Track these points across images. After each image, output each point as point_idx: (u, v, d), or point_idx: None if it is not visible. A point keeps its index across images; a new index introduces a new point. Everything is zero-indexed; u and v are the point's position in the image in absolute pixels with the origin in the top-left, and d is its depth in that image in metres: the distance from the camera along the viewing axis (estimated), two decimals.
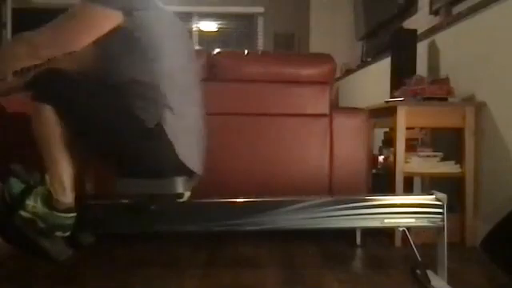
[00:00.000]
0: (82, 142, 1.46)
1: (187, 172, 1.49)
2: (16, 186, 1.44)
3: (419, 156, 2.47)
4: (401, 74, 2.73)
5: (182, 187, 1.49)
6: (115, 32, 1.42)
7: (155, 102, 1.43)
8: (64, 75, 1.43)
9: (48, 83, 1.41)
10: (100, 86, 1.46)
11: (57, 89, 1.41)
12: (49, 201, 1.43)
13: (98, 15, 1.41)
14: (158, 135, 1.42)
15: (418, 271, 1.69)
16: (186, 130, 1.49)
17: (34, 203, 1.42)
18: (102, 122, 1.42)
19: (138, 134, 1.43)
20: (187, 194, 1.55)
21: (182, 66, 1.54)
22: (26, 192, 1.43)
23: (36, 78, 1.43)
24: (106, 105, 1.44)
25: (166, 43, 1.48)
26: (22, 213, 1.41)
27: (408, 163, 2.43)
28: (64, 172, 1.43)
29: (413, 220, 1.57)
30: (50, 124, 1.40)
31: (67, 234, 1.45)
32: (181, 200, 1.52)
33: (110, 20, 1.41)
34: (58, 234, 1.43)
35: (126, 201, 1.53)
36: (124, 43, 1.43)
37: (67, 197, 1.43)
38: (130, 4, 1.43)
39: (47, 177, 1.44)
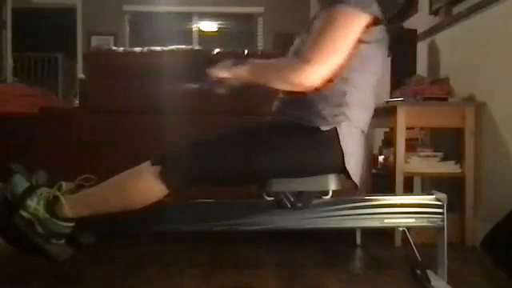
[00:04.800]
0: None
1: (342, 172, 1.47)
2: (20, 183, 1.43)
3: (419, 156, 2.47)
4: (401, 74, 2.74)
5: (334, 184, 1.48)
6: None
7: (335, 106, 1.41)
8: (206, 162, 1.42)
9: (185, 174, 1.40)
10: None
11: (192, 183, 1.41)
12: (51, 206, 1.41)
13: (359, 22, 1.37)
14: (330, 139, 1.40)
15: (418, 271, 1.69)
16: (355, 138, 1.46)
17: (36, 205, 1.41)
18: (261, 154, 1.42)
19: (310, 138, 1.41)
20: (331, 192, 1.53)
21: (372, 83, 1.49)
22: (29, 192, 1.43)
23: (176, 161, 1.40)
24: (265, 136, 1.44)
25: (373, 58, 1.46)
26: (23, 213, 1.40)
27: (408, 163, 2.43)
28: (93, 213, 1.43)
29: (413, 220, 1.56)
30: (146, 201, 1.40)
31: (62, 241, 1.45)
32: (326, 197, 1.50)
33: (361, 25, 1.37)
34: (53, 241, 1.42)
35: (271, 198, 1.51)
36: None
37: (74, 214, 1.43)
38: (379, 14, 1.40)
39: (80, 194, 1.43)
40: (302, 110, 1.44)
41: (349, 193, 1.58)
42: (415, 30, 2.92)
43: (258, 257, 2.11)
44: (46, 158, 2.22)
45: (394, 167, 2.39)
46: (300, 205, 1.50)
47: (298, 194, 1.50)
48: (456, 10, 2.72)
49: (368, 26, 1.39)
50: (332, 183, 1.48)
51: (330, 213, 1.53)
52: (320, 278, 1.82)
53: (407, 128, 2.40)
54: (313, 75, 1.35)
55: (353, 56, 1.39)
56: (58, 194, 1.42)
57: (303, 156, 1.42)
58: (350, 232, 2.33)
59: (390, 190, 2.40)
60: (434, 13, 2.98)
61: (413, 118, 2.39)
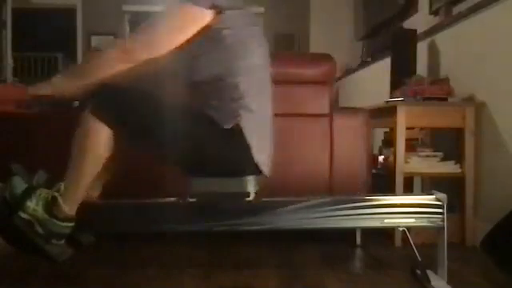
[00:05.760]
0: (152, 148, 1.48)
1: (257, 172, 1.49)
2: (18, 185, 1.43)
3: (419, 156, 2.47)
4: (401, 74, 2.73)
5: (253, 186, 1.50)
6: (204, 30, 1.42)
7: (233, 101, 1.43)
8: (129, 94, 1.42)
9: (113, 104, 1.39)
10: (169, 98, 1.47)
11: (122, 113, 1.40)
12: (50, 207, 1.42)
13: (190, 15, 1.41)
14: (235, 136, 1.42)
15: (418, 271, 1.69)
16: (262, 130, 1.48)
17: (35, 206, 1.41)
18: (173, 131, 1.42)
19: (215, 136, 1.43)
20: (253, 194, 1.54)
21: (261, 65, 1.53)
22: (28, 193, 1.43)
23: (101, 95, 1.40)
24: (175, 114, 1.44)
25: (249, 42, 1.49)
26: (22, 214, 1.40)
27: (408, 163, 2.43)
28: (84, 191, 1.44)
29: (413, 220, 1.57)
30: (101, 147, 1.41)
31: (62, 242, 1.45)
32: (248, 199, 1.51)
33: (201, 19, 1.41)
34: (53, 241, 1.43)
35: (193, 200, 1.52)
36: (211, 41, 1.43)
37: (73, 210, 1.44)
38: (221, 3, 1.42)
39: (64, 187, 1.44)
40: (212, 111, 1.45)
41: (348, 193, 1.58)
42: (415, 30, 2.93)
43: (258, 257, 2.11)
44: (46, 157, 2.22)
45: (394, 167, 2.39)
46: (222, 207, 1.51)
47: (220, 196, 1.51)
48: (456, 9, 2.72)
49: (217, 14, 1.42)
50: (251, 184, 1.49)
51: (329, 213, 1.53)
52: (320, 277, 1.82)
53: (407, 128, 2.40)
54: (129, 49, 1.40)
55: (225, 47, 1.43)
56: (56, 194, 1.43)
57: (216, 158, 1.45)
58: (350, 232, 2.33)
59: (390, 190, 2.40)
60: (434, 13, 2.98)
61: (413, 118, 2.39)
